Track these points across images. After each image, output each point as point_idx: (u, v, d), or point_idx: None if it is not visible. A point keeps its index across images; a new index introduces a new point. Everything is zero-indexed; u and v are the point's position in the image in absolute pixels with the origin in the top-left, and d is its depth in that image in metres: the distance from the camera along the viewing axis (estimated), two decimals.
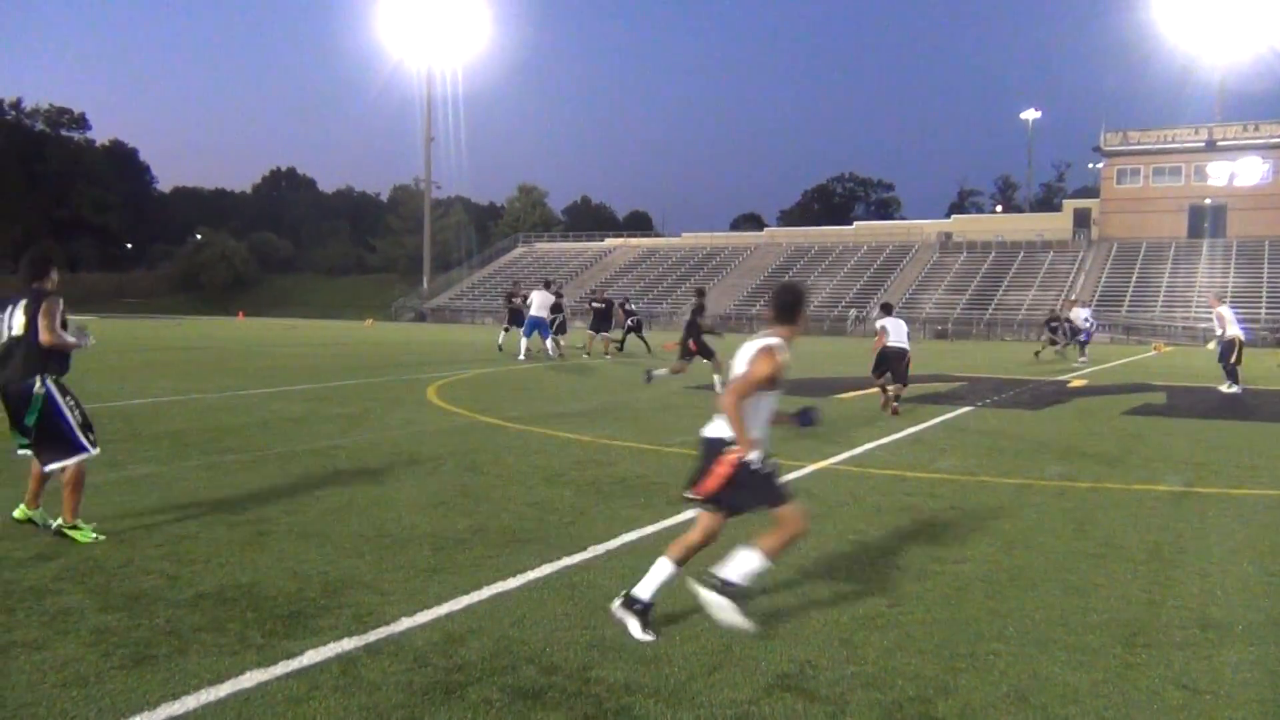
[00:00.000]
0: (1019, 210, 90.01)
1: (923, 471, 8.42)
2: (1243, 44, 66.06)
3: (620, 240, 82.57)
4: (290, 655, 3.92)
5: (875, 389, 13.84)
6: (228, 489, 7.20)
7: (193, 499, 6.83)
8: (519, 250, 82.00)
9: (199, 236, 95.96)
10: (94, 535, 5.62)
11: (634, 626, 4.23)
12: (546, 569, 5.20)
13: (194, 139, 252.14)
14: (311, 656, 3.91)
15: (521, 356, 22.93)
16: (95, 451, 5.81)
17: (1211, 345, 18.25)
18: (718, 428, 4.45)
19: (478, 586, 4.86)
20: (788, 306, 4.59)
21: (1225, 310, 18.18)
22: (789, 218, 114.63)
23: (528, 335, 23.56)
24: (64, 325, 5.69)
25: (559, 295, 24.99)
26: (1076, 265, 59.68)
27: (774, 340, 4.45)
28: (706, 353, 16.09)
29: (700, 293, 18.26)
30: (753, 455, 4.30)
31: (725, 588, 4.29)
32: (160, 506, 6.56)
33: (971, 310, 55.96)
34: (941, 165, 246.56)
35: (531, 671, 3.81)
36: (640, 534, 6.04)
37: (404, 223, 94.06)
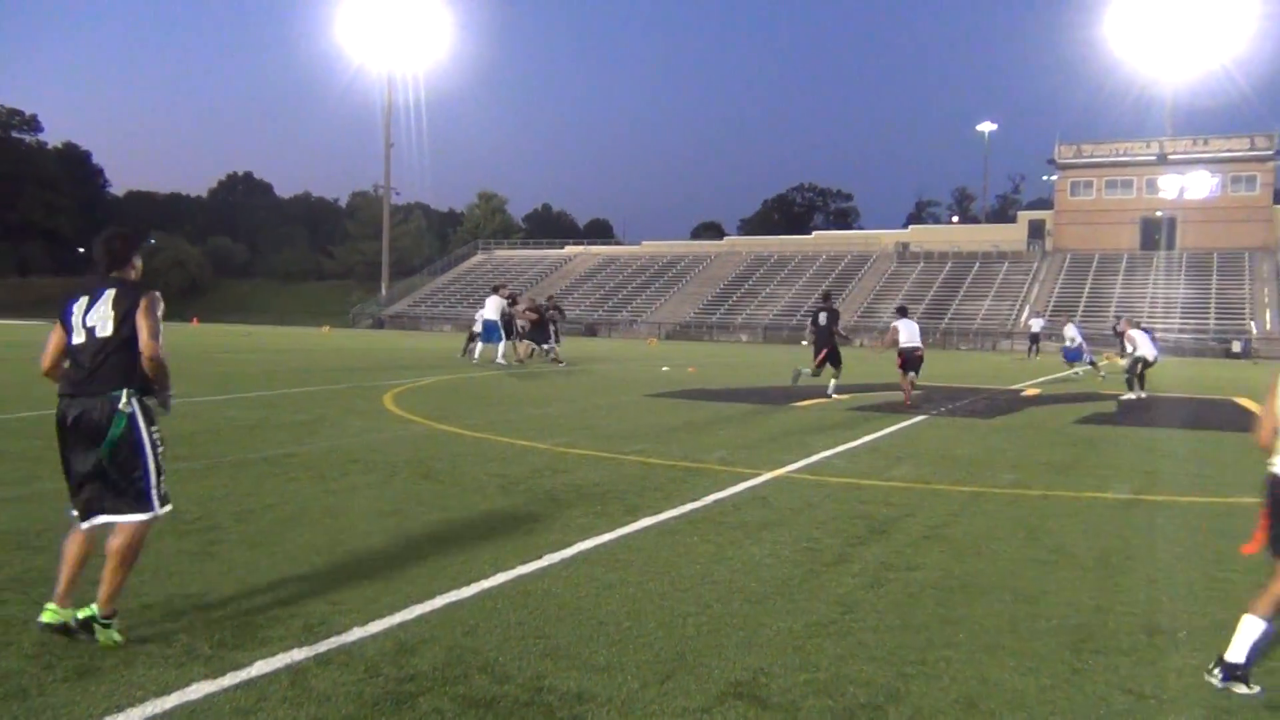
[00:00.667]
0: (975, 221, 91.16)
1: (878, 479, 8.48)
2: (1194, 61, 67.41)
3: (580, 248, 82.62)
4: (238, 666, 3.86)
5: (836, 396, 14.46)
6: (178, 497, 7.01)
7: None
8: (478, 257, 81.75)
9: (153, 241, 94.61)
10: (119, 638, 4.08)
11: (1244, 689, 3.90)
12: (501, 578, 5.17)
13: (149, 142, 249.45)
14: (260, 667, 3.86)
15: (500, 360, 23.11)
16: (167, 510, 4.38)
17: (1123, 361, 18.72)
18: None
19: (431, 596, 4.82)
20: None
21: (1136, 333, 18.62)
22: (749, 226, 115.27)
23: (484, 341, 23.61)
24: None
25: (513, 300, 25.03)
26: (1031, 276, 60.53)
27: None
28: (836, 358, 16.64)
29: (827, 296, 18.72)
30: None
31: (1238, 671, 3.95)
32: None
33: (928, 320, 56.47)
34: (899, 176, 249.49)
35: (484, 681, 3.79)
36: (596, 542, 6.02)
37: (363, 229, 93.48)
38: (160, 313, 4.31)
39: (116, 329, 4.18)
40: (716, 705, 3.63)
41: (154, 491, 4.27)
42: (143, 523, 4.23)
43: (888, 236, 72.50)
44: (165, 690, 3.61)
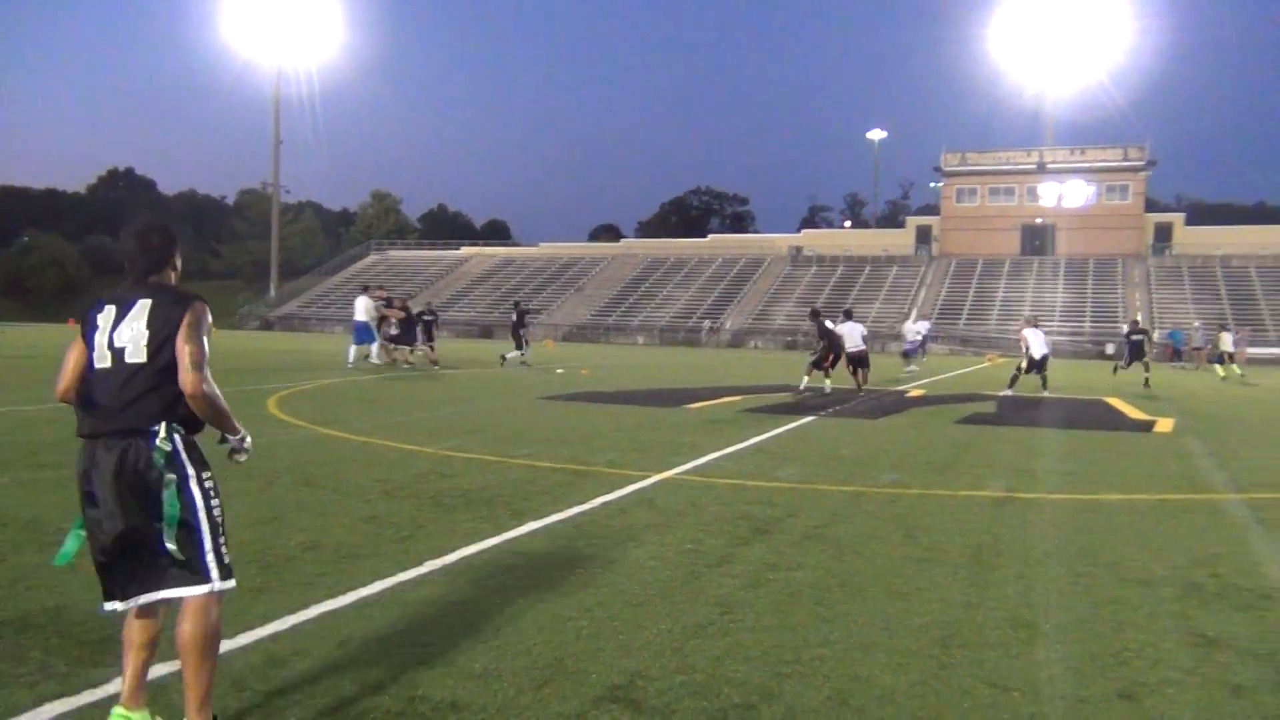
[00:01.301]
0: (866, 226, 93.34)
1: (763, 480, 8.60)
2: (1073, 75, 70.28)
3: (476, 249, 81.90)
4: (95, 684, 3.70)
5: (725, 399, 14.92)
6: (41, 507, 6.78)
7: (1, 518, 6.41)
8: (372, 258, 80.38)
9: (26, 239, 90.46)
10: None
11: None
12: (379, 585, 5.08)
13: (23, 136, 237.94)
14: (119, 685, 3.70)
15: (374, 359, 22.92)
16: (229, 585, 3.38)
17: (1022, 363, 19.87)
18: None
19: (305, 605, 4.70)
20: None
21: (1028, 332, 19.76)
22: (647, 229, 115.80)
23: (357, 343, 23.46)
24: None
25: (389, 302, 24.84)
26: (919, 280, 62.16)
27: None
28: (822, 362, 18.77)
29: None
30: None
31: None
32: None
33: None
34: (794, 181, 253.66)
35: (355, 692, 3.71)
36: (480, 547, 5.95)
37: (251, 228, 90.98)
38: (208, 331, 3.39)
39: (153, 354, 3.27)
40: (591, 710, 3.62)
41: (209, 557, 3.29)
42: (206, 598, 3.28)
43: (782, 240, 73.64)
44: (13, 712, 3.44)
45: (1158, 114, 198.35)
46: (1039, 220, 66.34)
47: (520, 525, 6.53)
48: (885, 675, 4.05)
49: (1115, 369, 26.70)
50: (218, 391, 3.35)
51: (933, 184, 76.17)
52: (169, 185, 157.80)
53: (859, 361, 19.39)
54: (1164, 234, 64.52)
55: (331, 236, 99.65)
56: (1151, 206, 70.89)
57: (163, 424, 3.24)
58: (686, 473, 8.91)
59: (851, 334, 19.42)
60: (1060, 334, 52.16)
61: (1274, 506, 8.01)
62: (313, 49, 74.10)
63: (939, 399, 18.60)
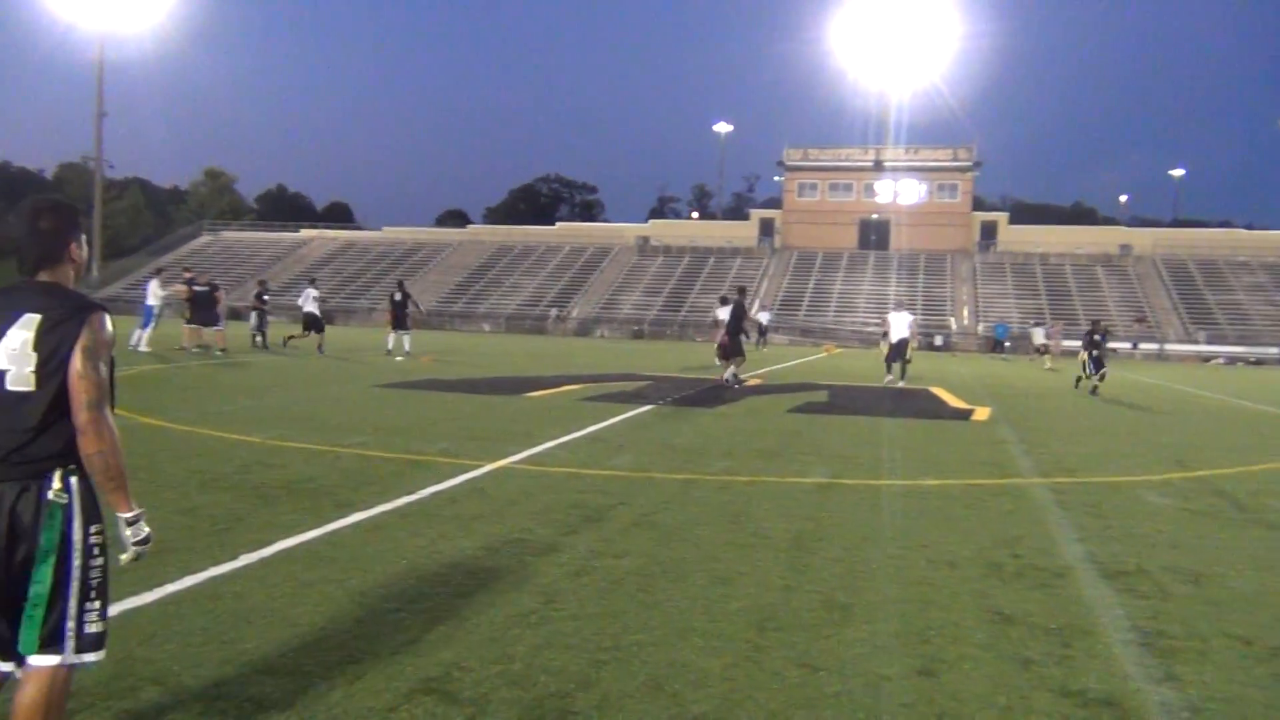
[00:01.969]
0: (713, 217, 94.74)
1: (597, 469, 8.65)
2: (910, 77, 73.05)
3: (316, 232, 79.38)
4: None
5: (566, 388, 15.58)
6: None
7: None
8: (204, 239, 76.96)
9: None
10: None
11: None
12: (189, 581, 4.88)
13: None
14: None
15: (143, 348, 22.22)
16: (93, 659, 2.81)
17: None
18: None
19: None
20: None
21: (890, 316, 21.26)
22: (496, 215, 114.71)
23: (143, 327, 22.78)
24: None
25: (213, 287, 24.06)
26: (761, 271, 63.59)
27: None
28: (735, 350, 18.64)
29: (742, 291, 20.54)
30: None
31: None
32: None
33: (667, 312, 58.29)
34: (643, 171, 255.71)
35: (154, 693, 3.56)
36: (300, 540, 5.79)
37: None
38: (108, 343, 2.79)
39: (43, 378, 2.68)
40: (404, 703, 3.57)
41: (70, 624, 2.71)
42: (56, 671, 2.72)
43: (630, 230, 74.10)
44: None
45: (986, 118, 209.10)
46: (875, 216, 68.88)
47: (345, 516, 6.38)
48: (701, 659, 4.14)
49: (1078, 381, 21.51)
50: (118, 442, 2.75)
51: (776, 178, 78.01)
52: None
53: (733, 344, 19.50)
54: (989, 232, 67.96)
55: (161, 215, 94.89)
56: (979, 205, 74.42)
57: (58, 471, 2.70)
58: (521, 462, 8.89)
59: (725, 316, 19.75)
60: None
61: (1073, 490, 8.56)
62: (141, 14, 70.17)
63: (774, 388, 19.09)
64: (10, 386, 2.67)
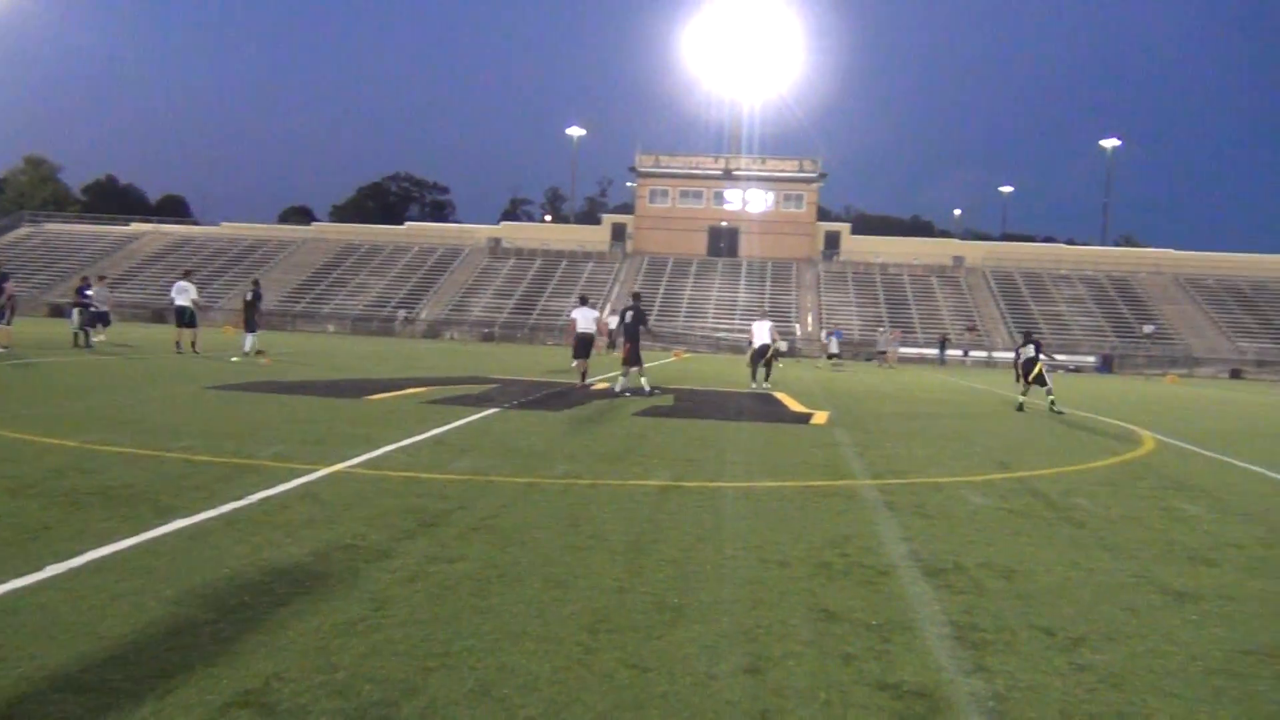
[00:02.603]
0: (565, 221, 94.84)
1: (438, 473, 8.51)
2: (760, 89, 74.81)
3: (149, 226, 75.77)
4: None
5: (410, 390, 15.56)
6: None
7: None
8: (24, 230, 72.44)
9: None
10: None
11: None
12: None
13: None
14: None
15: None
16: None
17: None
18: None
19: None
20: None
21: (754, 324, 23.04)
22: (342, 213, 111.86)
23: None
24: None
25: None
26: (613, 276, 64.00)
27: None
28: (636, 358, 18.40)
29: (637, 296, 20.17)
30: None
31: None
32: None
33: (517, 314, 58.00)
34: (496, 173, 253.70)
35: None
36: (114, 549, 5.49)
37: None
38: None
39: None
40: (219, 717, 3.43)
41: None
42: None
43: (482, 231, 73.47)
44: None
45: (831, 132, 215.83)
46: (725, 223, 70.24)
47: (165, 524, 6.09)
48: (531, 663, 4.11)
49: (1021, 405, 19.91)
50: None
51: (628, 183, 78.67)
52: None
53: (586, 346, 20.09)
54: (833, 241, 70.26)
55: None
56: (823, 216, 76.94)
57: None
58: (358, 465, 8.66)
59: (585, 318, 20.08)
60: (742, 332, 55.47)
61: (901, 491, 8.90)
62: None
63: (620, 391, 19.19)
64: None
